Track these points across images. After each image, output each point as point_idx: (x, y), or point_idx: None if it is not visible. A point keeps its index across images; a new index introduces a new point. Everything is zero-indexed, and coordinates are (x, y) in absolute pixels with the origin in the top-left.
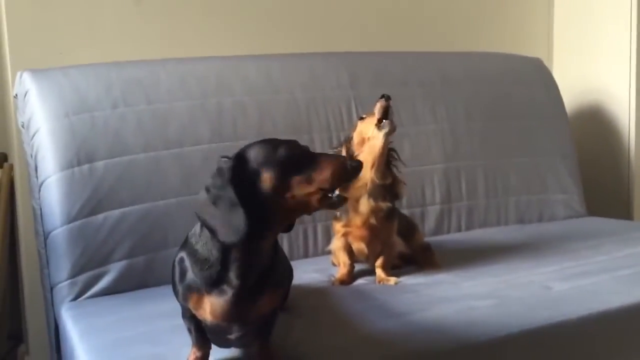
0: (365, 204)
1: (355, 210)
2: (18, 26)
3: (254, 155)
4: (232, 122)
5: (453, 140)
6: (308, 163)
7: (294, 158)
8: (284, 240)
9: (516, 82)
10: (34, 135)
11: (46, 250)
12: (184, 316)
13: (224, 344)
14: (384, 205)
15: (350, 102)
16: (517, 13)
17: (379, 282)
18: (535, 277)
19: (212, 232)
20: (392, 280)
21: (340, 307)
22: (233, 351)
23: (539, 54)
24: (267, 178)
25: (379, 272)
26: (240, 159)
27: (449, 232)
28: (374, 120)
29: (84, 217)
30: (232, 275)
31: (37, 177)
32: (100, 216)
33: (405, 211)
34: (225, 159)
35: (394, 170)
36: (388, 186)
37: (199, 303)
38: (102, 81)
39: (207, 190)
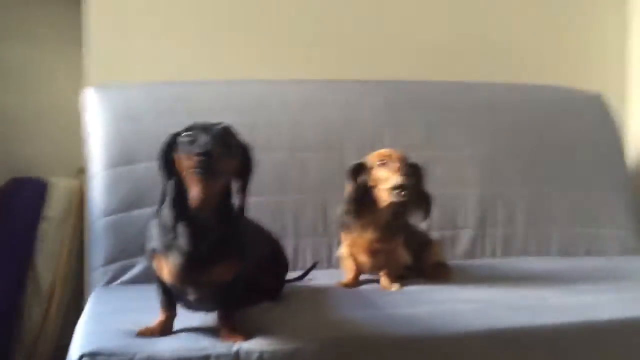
0: (370, 233)
1: (360, 235)
2: (96, 47)
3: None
4: (266, 138)
5: (492, 167)
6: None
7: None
8: (307, 252)
9: (569, 115)
10: (89, 139)
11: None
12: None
13: (189, 306)
14: (390, 232)
15: (384, 125)
16: (585, 47)
17: (383, 288)
18: (538, 292)
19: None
20: (394, 287)
21: (328, 301)
22: (200, 320)
23: (611, 89)
24: (177, 158)
25: (383, 279)
26: (169, 140)
27: (482, 256)
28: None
29: (120, 212)
30: (183, 242)
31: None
32: (135, 212)
33: (436, 232)
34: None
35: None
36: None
37: (159, 265)
38: (151, 97)
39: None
